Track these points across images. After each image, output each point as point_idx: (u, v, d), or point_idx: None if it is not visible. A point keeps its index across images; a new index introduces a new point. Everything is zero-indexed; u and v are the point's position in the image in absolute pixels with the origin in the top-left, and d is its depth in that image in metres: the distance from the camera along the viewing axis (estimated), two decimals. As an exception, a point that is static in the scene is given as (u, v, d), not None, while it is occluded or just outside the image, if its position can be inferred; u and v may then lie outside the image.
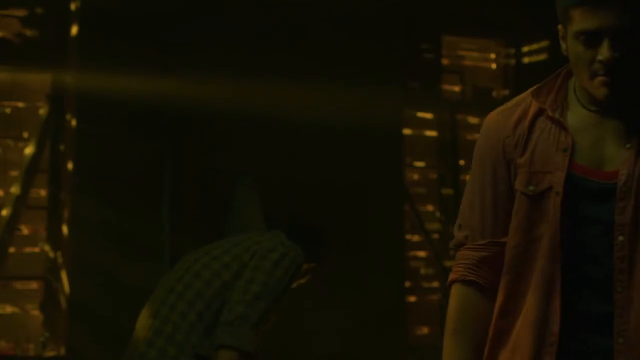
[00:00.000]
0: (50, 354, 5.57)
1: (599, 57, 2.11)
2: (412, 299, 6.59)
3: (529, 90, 2.29)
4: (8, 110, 5.85)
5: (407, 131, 6.57)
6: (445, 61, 6.79)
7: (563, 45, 2.20)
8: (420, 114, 6.79)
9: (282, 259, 3.42)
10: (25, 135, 5.83)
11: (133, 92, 5.45)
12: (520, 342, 2.17)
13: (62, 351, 5.54)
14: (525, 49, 6.85)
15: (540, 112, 2.23)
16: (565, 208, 2.14)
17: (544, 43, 6.71)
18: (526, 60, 6.86)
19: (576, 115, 2.21)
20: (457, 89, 6.90)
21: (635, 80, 2.15)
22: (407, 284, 6.48)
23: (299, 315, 5.40)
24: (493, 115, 2.31)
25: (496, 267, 2.24)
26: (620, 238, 2.12)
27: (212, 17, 5.70)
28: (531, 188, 2.19)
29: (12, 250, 5.68)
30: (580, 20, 2.12)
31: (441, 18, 6.49)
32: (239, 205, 5.54)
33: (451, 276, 2.31)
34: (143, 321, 3.47)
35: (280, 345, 5.31)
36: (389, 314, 6.07)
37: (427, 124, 6.83)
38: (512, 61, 6.92)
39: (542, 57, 6.74)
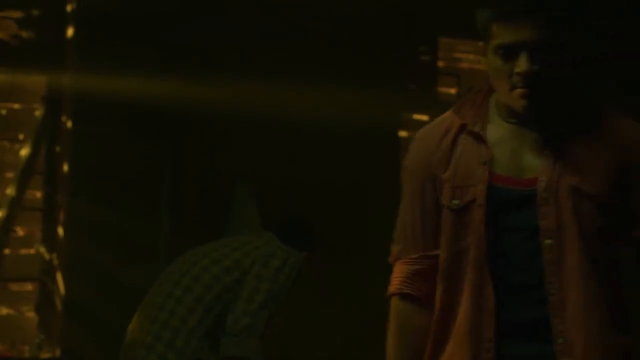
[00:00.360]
0: (46, 355, 5.56)
1: (517, 70, 2.17)
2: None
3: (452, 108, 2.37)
4: (4, 112, 5.85)
5: (404, 133, 6.57)
6: (441, 63, 6.79)
7: (484, 60, 2.27)
8: (417, 116, 6.79)
9: (283, 265, 3.43)
10: (21, 136, 5.83)
11: (129, 94, 5.45)
12: (456, 351, 2.23)
13: (58, 353, 5.53)
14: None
15: (462, 128, 2.30)
16: (489, 218, 2.22)
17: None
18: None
19: (496, 128, 2.28)
20: (453, 91, 6.90)
21: (552, 92, 2.21)
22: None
23: (300, 316, 5.39)
24: (420, 133, 2.39)
25: (431, 280, 2.32)
26: (548, 242, 2.19)
27: (210, 18, 5.70)
28: (455, 202, 2.26)
29: (7, 251, 5.67)
30: (499, 35, 2.18)
31: (438, 20, 6.49)
32: (238, 207, 5.54)
33: (389, 290, 2.39)
34: (138, 325, 3.45)
35: (281, 346, 5.31)
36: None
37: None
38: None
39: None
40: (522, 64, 2.16)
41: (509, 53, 2.18)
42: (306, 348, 5.70)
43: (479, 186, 2.23)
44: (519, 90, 2.19)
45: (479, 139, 2.27)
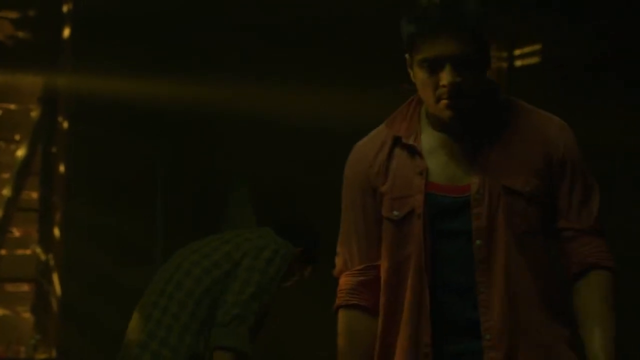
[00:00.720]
0: (42, 356, 5.56)
1: (442, 82, 2.24)
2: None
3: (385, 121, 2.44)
4: (0, 112, 5.85)
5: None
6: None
7: (411, 73, 2.35)
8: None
9: (274, 256, 3.42)
10: (18, 137, 5.83)
11: (125, 95, 5.45)
12: (400, 358, 2.30)
13: (53, 354, 5.54)
14: (517, 52, 6.86)
15: (396, 141, 2.37)
16: (428, 227, 2.28)
17: (536, 46, 6.72)
18: (518, 63, 6.87)
19: (429, 138, 2.34)
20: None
21: (474, 100, 2.28)
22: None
23: (300, 316, 5.40)
24: (356, 147, 2.46)
25: (376, 289, 2.37)
26: (478, 242, 2.25)
27: (209, 18, 5.70)
28: (395, 213, 2.31)
29: (3, 252, 5.68)
30: (423, 49, 2.27)
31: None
32: (235, 208, 5.55)
33: (336, 303, 2.45)
34: (135, 324, 3.46)
35: (281, 347, 5.32)
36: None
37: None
38: (504, 64, 6.93)
39: (534, 60, 6.75)
40: (446, 76, 2.24)
41: (433, 66, 2.26)
42: (306, 348, 5.70)
43: (417, 196, 2.29)
44: (444, 102, 2.26)
45: (414, 150, 2.33)
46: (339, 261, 2.48)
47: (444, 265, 2.27)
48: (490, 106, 2.35)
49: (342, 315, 2.45)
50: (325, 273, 3.52)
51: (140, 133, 5.54)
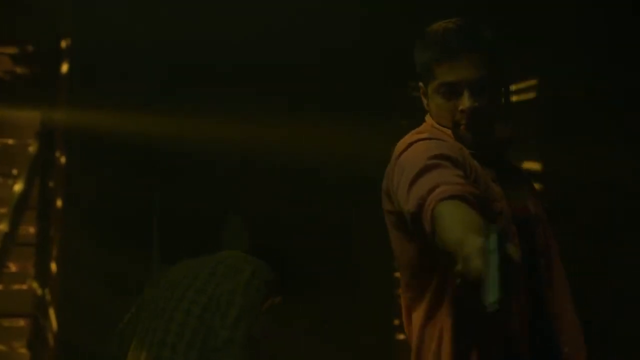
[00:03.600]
0: (38, 392, 5.54)
1: (461, 107, 2.28)
2: (401, 337, 6.58)
3: (426, 130, 2.37)
4: (-2, 147, 5.86)
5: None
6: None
7: (424, 101, 2.32)
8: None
9: (251, 278, 3.46)
10: (15, 172, 5.83)
11: (123, 130, 5.46)
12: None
13: (50, 389, 5.51)
14: (514, 87, 6.90)
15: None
16: None
17: (532, 82, 6.75)
18: (514, 98, 6.90)
19: None
20: (445, 126, 6.93)
21: (491, 125, 2.32)
22: (396, 322, 6.47)
23: (288, 353, 5.38)
24: (432, 139, 2.31)
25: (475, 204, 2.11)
26: (542, 260, 2.35)
27: (205, 55, 5.72)
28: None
29: (0, 287, 5.66)
30: (441, 74, 2.28)
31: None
32: (228, 242, 5.54)
33: (435, 197, 2.06)
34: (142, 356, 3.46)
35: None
36: (378, 352, 6.06)
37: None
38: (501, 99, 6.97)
39: (530, 95, 6.79)
40: (465, 101, 2.26)
41: (451, 91, 2.28)
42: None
43: (502, 202, 2.29)
44: (463, 127, 2.30)
45: (479, 159, 2.31)
46: (423, 187, 2.10)
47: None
48: (506, 146, 2.43)
49: (450, 204, 2.02)
50: (316, 311, 3.56)
51: (136, 168, 5.55)
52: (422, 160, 2.17)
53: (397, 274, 6.72)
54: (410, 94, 6.66)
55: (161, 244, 5.60)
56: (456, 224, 1.91)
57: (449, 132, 2.34)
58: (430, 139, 2.35)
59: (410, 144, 2.34)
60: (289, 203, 5.81)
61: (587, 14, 5.28)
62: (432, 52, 2.28)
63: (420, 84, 2.32)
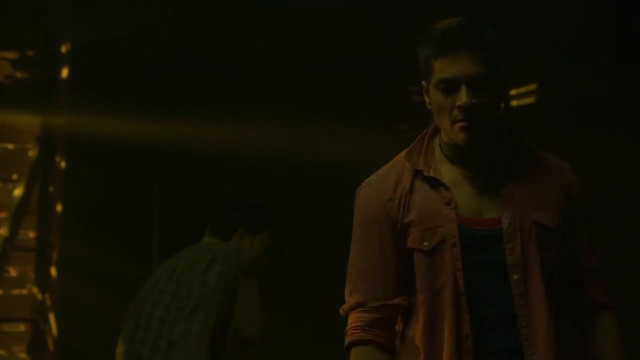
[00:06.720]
0: (38, 396, 5.54)
1: (458, 103, 2.25)
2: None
3: (401, 155, 2.42)
4: (-2, 152, 5.87)
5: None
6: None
7: (427, 99, 2.35)
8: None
9: (209, 265, 3.45)
10: (15, 176, 5.83)
11: (123, 134, 5.47)
12: None
13: (50, 394, 5.51)
14: (513, 92, 6.91)
15: (416, 174, 2.35)
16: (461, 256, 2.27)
17: (532, 86, 6.77)
18: (514, 103, 6.91)
19: (450, 172, 2.34)
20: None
21: (490, 125, 2.29)
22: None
23: (289, 355, 5.38)
24: (370, 183, 2.42)
25: (389, 328, 2.34)
26: (515, 277, 2.26)
27: (205, 59, 5.73)
28: (425, 244, 2.29)
29: (0, 292, 5.66)
30: (440, 70, 2.26)
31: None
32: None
33: (348, 339, 2.36)
34: None
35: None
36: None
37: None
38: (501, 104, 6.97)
39: (529, 100, 6.80)
40: (462, 97, 2.24)
41: (450, 87, 2.26)
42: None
43: (449, 225, 2.27)
44: (459, 124, 2.26)
45: (437, 182, 2.32)
46: (351, 299, 2.38)
47: (477, 297, 2.25)
48: (510, 145, 2.36)
49: (356, 352, 2.35)
50: (313, 320, 3.55)
51: (136, 172, 5.55)
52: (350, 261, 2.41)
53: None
54: (411, 100, 6.67)
55: (160, 247, 5.60)
56: None
57: (415, 160, 2.35)
58: (370, 184, 2.42)
59: (360, 190, 2.45)
60: (289, 204, 5.82)
61: (589, 16, 5.29)
62: (432, 48, 2.26)
63: (423, 82, 2.31)
